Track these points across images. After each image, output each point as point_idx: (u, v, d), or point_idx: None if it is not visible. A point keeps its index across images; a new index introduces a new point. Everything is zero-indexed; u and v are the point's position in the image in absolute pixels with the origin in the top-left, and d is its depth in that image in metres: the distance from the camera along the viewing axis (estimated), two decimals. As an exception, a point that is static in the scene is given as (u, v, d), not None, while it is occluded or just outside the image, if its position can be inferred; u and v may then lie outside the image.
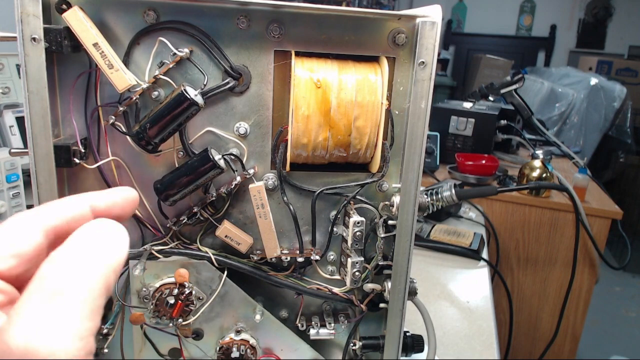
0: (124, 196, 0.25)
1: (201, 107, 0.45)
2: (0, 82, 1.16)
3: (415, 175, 0.48)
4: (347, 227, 0.51)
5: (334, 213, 0.53)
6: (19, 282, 0.21)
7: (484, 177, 1.55)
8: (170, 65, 0.45)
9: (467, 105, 1.81)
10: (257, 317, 0.52)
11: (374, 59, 0.49)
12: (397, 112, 0.50)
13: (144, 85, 0.45)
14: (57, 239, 0.22)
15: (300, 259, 0.52)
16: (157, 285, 0.49)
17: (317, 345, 0.56)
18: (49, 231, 0.22)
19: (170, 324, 0.50)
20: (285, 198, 0.51)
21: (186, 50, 0.45)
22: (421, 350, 0.58)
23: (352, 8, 0.46)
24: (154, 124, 0.45)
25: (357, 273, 0.51)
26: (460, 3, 4.76)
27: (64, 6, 0.42)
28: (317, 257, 0.53)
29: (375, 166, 0.51)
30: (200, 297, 0.51)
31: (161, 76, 0.45)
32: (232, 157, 0.48)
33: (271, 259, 0.52)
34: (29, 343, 0.17)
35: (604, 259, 1.45)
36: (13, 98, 1.18)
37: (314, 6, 0.45)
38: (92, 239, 0.21)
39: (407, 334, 0.58)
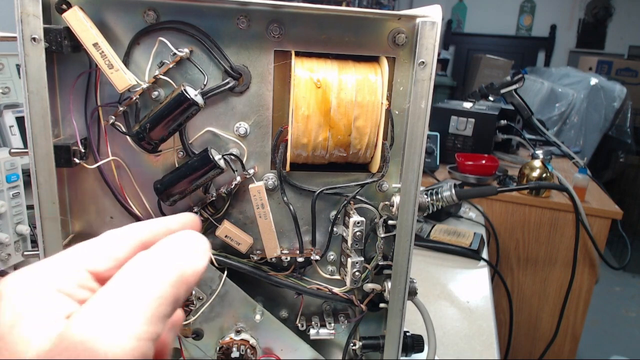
0: (191, 219, 0.28)
1: (201, 107, 0.45)
2: (0, 82, 1.16)
3: (415, 175, 0.48)
4: (347, 227, 0.51)
5: (334, 213, 0.53)
6: None
7: (484, 177, 1.55)
8: (170, 65, 0.45)
9: (467, 105, 1.81)
10: (257, 317, 0.52)
11: (374, 59, 0.49)
12: (397, 112, 0.50)
13: (144, 85, 0.45)
14: (142, 250, 0.24)
15: (300, 259, 0.52)
16: (157, 285, 0.49)
17: (317, 345, 0.56)
18: (138, 244, 0.24)
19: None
20: (285, 198, 0.51)
21: (186, 50, 0.45)
22: (421, 350, 0.58)
23: (352, 8, 0.46)
24: (154, 124, 0.45)
25: (357, 273, 0.51)
26: (460, 3, 4.76)
27: (64, 6, 0.42)
28: (317, 257, 0.53)
29: (375, 166, 0.51)
30: (200, 297, 0.51)
31: (161, 76, 0.45)
32: (232, 157, 0.48)
33: (271, 259, 0.52)
34: (87, 334, 0.18)
35: (604, 259, 1.45)
36: (13, 98, 1.18)
37: (314, 6, 0.45)
38: (173, 248, 0.23)
39: (407, 334, 0.58)
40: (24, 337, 0.19)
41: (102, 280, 0.22)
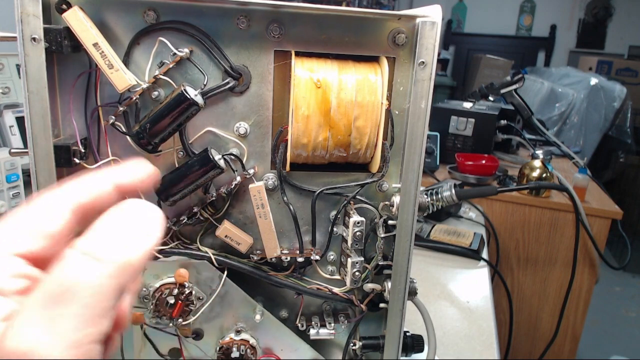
0: (145, 170, 0.24)
1: (201, 107, 0.45)
2: (0, 82, 1.16)
3: (415, 175, 0.48)
4: (347, 227, 0.51)
5: (334, 213, 0.53)
6: (48, 265, 0.20)
7: (484, 177, 1.55)
8: (170, 65, 0.45)
9: (467, 105, 1.81)
10: (257, 317, 0.52)
11: (374, 59, 0.49)
12: (397, 112, 0.50)
13: (144, 85, 0.45)
14: (84, 217, 0.21)
15: (300, 259, 0.52)
16: (157, 285, 0.49)
17: (317, 345, 0.56)
18: (77, 209, 0.21)
19: (170, 324, 0.50)
20: (285, 198, 0.51)
21: (186, 50, 0.45)
22: (421, 350, 0.58)
23: (352, 8, 0.46)
24: (154, 124, 0.45)
25: (357, 273, 0.51)
26: (460, 3, 4.76)
27: (64, 6, 0.42)
28: (317, 257, 0.53)
29: (375, 166, 0.51)
30: (200, 297, 0.51)
31: (161, 76, 0.45)
32: (232, 157, 0.48)
33: (271, 259, 0.52)
34: (20, 349, 0.17)
35: (604, 259, 1.45)
36: (13, 98, 1.18)
37: (314, 6, 0.45)
38: (113, 230, 0.19)
39: (407, 334, 0.58)
40: None
41: (40, 261, 0.20)
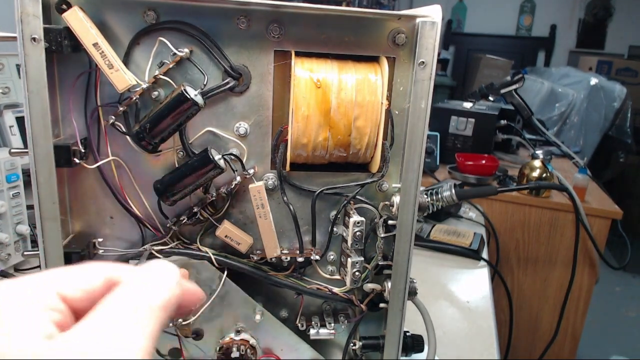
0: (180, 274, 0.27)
1: (201, 107, 0.45)
2: (0, 82, 1.16)
3: (415, 175, 0.48)
4: (347, 227, 0.51)
5: (334, 213, 0.53)
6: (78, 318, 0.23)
7: (484, 177, 1.55)
8: (170, 65, 0.45)
9: (467, 105, 1.81)
10: (257, 317, 0.52)
11: (374, 59, 0.49)
12: (397, 112, 0.50)
13: (144, 85, 0.45)
14: (108, 290, 0.24)
15: (300, 259, 0.52)
16: (157, 285, 0.49)
17: (317, 345, 0.56)
18: (107, 280, 0.24)
19: (170, 324, 0.50)
20: (285, 198, 0.51)
21: (186, 50, 0.45)
22: (421, 350, 0.58)
23: (352, 8, 0.46)
24: (154, 124, 0.45)
25: (357, 273, 0.51)
26: (460, 3, 4.76)
27: (64, 6, 0.42)
28: (317, 257, 0.53)
29: (375, 166, 0.51)
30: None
31: (161, 76, 0.45)
32: (232, 157, 0.48)
33: (271, 259, 0.52)
34: None
35: (604, 259, 1.45)
36: (13, 98, 1.18)
37: (314, 6, 0.45)
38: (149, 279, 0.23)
39: (407, 334, 0.58)
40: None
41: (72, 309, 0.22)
